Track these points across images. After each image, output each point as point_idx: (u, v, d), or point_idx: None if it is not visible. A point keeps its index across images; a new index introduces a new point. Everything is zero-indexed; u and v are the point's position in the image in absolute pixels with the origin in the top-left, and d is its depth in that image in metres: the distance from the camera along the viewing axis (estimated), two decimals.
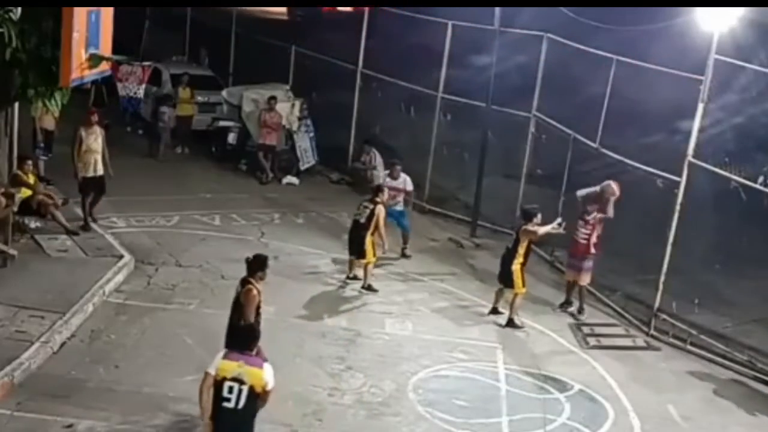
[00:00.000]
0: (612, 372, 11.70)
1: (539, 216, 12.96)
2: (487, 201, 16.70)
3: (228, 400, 7.41)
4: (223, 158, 19.96)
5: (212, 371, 7.48)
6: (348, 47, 19.86)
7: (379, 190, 13.93)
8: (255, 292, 9.19)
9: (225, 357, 7.58)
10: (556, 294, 14.23)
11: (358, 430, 9.74)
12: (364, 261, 13.54)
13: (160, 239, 14.75)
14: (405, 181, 15.45)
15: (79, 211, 14.65)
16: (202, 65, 23.47)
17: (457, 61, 17.66)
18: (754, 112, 14.52)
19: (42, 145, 16.60)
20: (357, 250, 13.57)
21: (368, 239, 13.44)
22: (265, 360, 7.89)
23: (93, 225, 14.53)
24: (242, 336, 7.73)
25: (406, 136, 19.49)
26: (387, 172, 15.75)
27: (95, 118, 14.67)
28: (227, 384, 7.42)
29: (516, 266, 12.78)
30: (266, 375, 7.51)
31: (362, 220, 13.53)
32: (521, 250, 12.81)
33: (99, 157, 14.53)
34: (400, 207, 15.31)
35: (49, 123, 16.67)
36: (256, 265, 9.31)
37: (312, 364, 10.91)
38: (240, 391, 7.40)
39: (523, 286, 12.86)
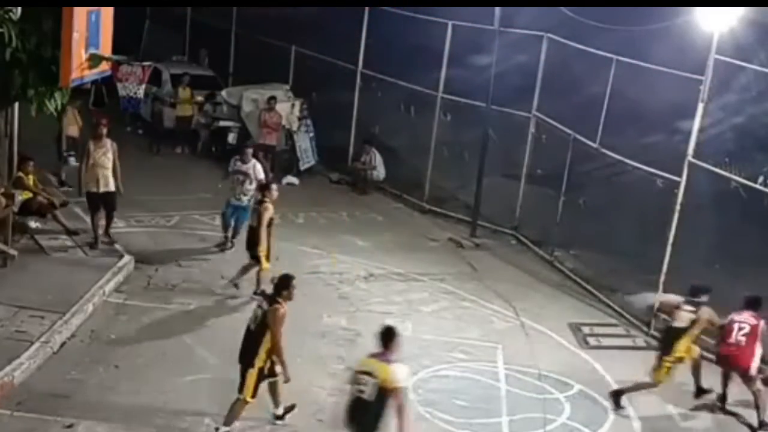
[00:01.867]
0: (612, 372, 11.70)
1: (705, 297, 10.81)
2: (487, 201, 16.70)
3: (362, 391, 7.99)
4: (223, 158, 19.94)
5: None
6: (348, 47, 19.86)
7: (265, 188, 12.92)
8: (282, 311, 9.16)
9: (370, 355, 8.24)
10: (556, 293, 14.25)
11: None
12: (257, 268, 12.63)
13: (160, 239, 14.76)
14: (254, 168, 14.53)
15: (79, 211, 14.62)
16: (202, 65, 23.47)
17: (457, 61, 17.67)
18: (754, 112, 14.51)
19: (72, 152, 17.07)
20: (251, 255, 12.67)
21: (262, 244, 12.47)
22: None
23: (106, 245, 13.75)
24: (383, 336, 8.21)
25: (406, 136, 19.50)
26: (237, 156, 14.72)
27: (104, 130, 13.81)
28: (361, 376, 8.05)
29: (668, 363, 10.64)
30: (395, 372, 7.94)
31: (254, 224, 12.65)
32: (683, 346, 10.64)
33: (108, 173, 13.66)
34: (246, 202, 14.23)
35: (73, 131, 17.17)
36: (281, 284, 9.33)
37: (312, 364, 10.91)
38: (371, 384, 7.94)
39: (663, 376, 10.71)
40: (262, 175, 14.67)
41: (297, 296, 12.82)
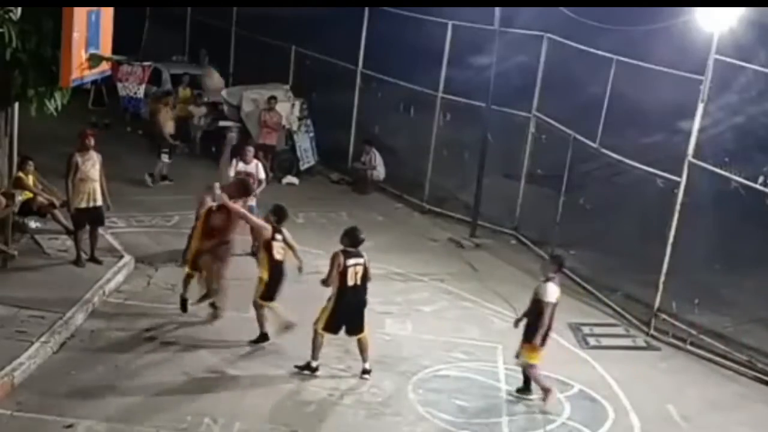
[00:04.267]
0: (612, 372, 11.70)
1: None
2: (487, 201, 16.70)
3: None
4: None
5: None
6: (348, 47, 19.87)
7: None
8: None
9: None
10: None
11: (358, 430, 9.74)
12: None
13: (160, 239, 14.76)
14: (257, 167, 14.53)
15: None
16: (202, 65, 23.47)
17: (457, 61, 17.67)
18: (754, 112, 14.51)
19: (166, 150, 17.83)
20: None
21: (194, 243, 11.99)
22: None
23: (90, 262, 13.03)
24: None
25: (406, 136, 19.50)
26: (237, 157, 14.51)
27: (91, 141, 13.01)
28: None
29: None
30: None
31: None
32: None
33: (96, 186, 12.91)
34: (252, 201, 13.61)
35: (170, 127, 18.12)
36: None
37: None
38: None
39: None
40: (263, 175, 14.69)
41: (297, 296, 12.93)
